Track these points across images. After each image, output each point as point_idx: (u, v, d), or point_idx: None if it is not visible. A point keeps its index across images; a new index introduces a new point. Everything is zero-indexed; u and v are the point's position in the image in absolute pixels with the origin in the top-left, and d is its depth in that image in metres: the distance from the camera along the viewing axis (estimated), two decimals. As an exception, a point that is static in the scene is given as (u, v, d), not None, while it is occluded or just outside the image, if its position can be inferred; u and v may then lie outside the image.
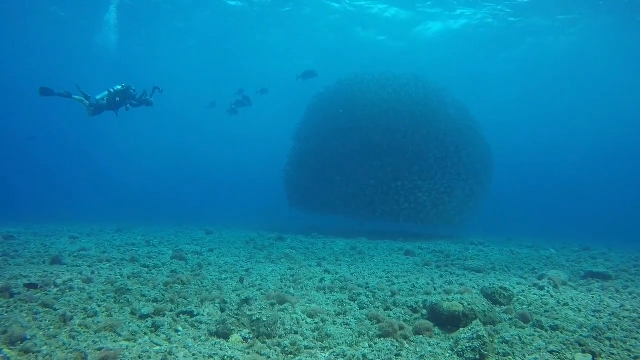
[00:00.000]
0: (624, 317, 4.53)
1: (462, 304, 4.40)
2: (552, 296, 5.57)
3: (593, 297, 5.66)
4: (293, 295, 5.32)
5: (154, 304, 4.61)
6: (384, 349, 3.56)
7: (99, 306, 4.37)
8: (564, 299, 5.37)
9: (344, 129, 14.59)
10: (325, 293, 5.59)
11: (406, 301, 4.99)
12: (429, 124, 13.87)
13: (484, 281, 6.53)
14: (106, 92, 9.28)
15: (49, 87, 8.70)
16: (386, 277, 6.73)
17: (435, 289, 5.90)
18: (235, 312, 4.10)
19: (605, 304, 5.29)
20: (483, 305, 4.39)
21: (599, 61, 27.55)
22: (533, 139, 43.25)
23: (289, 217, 20.03)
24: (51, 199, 29.20)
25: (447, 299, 4.48)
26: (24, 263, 6.77)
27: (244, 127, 42.25)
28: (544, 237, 16.28)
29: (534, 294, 5.65)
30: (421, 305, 4.83)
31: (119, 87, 9.41)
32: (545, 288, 6.00)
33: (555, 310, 4.78)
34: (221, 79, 34.07)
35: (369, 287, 5.85)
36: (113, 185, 37.03)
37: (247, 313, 3.97)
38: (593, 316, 4.61)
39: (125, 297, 4.70)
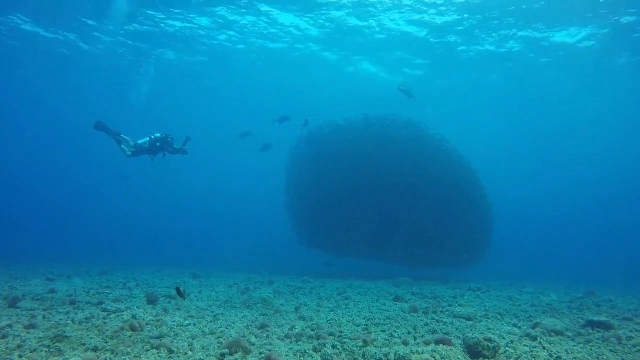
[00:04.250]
0: (622, 374, 3.93)
1: (434, 357, 3.86)
2: (544, 348, 4.96)
3: (591, 349, 5.04)
4: (253, 345, 4.79)
5: (88, 353, 4.11)
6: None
7: (20, 357, 3.89)
8: (557, 352, 4.76)
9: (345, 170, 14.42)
10: (290, 342, 5.05)
11: (375, 353, 4.43)
12: (427, 166, 13.77)
13: (471, 330, 5.92)
14: (147, 138, 9.64)
15: (103, 122, 9.08)
16: (364, 324, 6.15)
17: (415, 339, 5.32)
18: (171, 364, 3.60)
19: (605, 357, 4.68)
20: (458, 358, 3.85)
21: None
22: (544, 185, 42.82)
23: (289, 256, 19.46)
24: (51, 238, 28.83)
25: (418, 351, 3.96)
26: (-24, 307, 6.32)
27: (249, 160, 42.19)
28: (550, 282, 15.41)
29: (524, 346, 5.04)
30: (392, 358, 4.27)
31: (159, 134, 9.74)
32: (538, 338, 5.38)
33: (545, 365, 4.19)
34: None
35: (341, 336, 5.29)
36: (117, 225, 36.59)
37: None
38: (587, 373, 4.02)
39: (57, 346, 4.21)
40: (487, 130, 34.26)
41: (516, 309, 8.12)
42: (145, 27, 21.50)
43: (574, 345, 5.18)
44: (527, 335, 5.55)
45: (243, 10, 19.81)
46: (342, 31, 21.38)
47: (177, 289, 5.72)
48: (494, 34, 20.65)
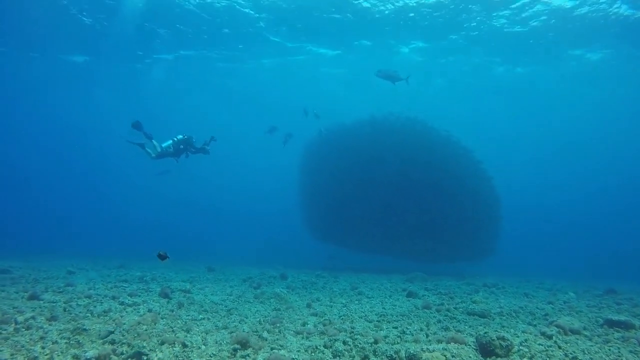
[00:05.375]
0: (640, 376, 3.84)
1: (445, 356, 3.84)
2: (559, 347, 4.87)
3: (610, 350, 4.92)
4: (265, 340, 4.85)
5: (106, 346, 4.23)
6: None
7: (44, 348, 4.03)
8: (574, 352, 4.67)
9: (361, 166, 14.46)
10: (302, 338, 5.09)
11: (386, 350, 4.43)
12: (441, 162, 13.76)
13: (485, 327, 5.86)
14: (171, 141, 9.92)
15: (141, 123, 9.43)
16: (377, 320, 6.16)
17: (427, 336, 5.29)
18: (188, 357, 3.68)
19: (624, 359, 4.58)
20: (470, 357, 3.82)
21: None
22: (564, 176, 41.85)
23: (304, 250, 19.61)
24: (69, 232, 29.64)
25: (429, 349, 3.94)
26: (2, 299, 6.56)
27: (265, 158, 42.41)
28: (569, 278, 15.12)
29: (538, 344, 4.96)
30: (402, 356, 4.26)
31: (181, 136, 10.00)
32: (554, 337, 5.29)
33: (559, 366, 4.13)
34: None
35: (353, 332, 5.31)
36: (135, 219, 37.28)
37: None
38: (604, 374, 3.94)
39: (77, 339, 4.34)
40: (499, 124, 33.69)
41: (532, 306, 7.99)
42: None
43: (591, 345, 5.07)
44: (543, 334, 5.46)
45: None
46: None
47: (159, 254, 5.81)
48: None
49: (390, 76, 12.78)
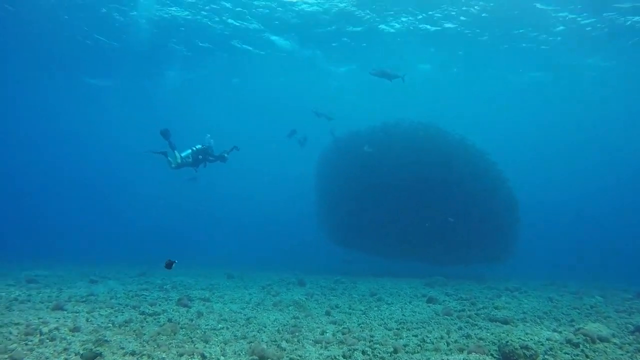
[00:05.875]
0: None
1: (466, 367, 3.75)
2: (587, 357, 4.71)
3: (640, 358, 4.73)
4: (284, 350, 4.84)
5: (127, 357, 4.30)
6: None
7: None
8: (602, 361, 4.51)
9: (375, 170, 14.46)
10: (321, 347, 5.06)
11: (406, 360, 4.37)
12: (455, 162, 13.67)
13: (508, 335, 5.70)
14: (189, 151, 10.04)
15: (169, 131, 9.55)
16: (396, 328, 6.08)
17: (447, 345, 5.19)
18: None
19: (655, 368, 4.39)
20: (492, 368, 3.73)
21: None
22: (587, 175, 40.68)
23: (322, 255, 19.61)
24: (93, 239, 30.34)
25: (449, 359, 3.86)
26: (28, 309, 6.74)
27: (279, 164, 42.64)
28: (597, 281, 14.62)
29: (565, 354, 4.81)
30: (423, 366, 4.19)
31: (199, 146, 10.14)
32: (580, 346, 5.11)
33: (587, 376, 3.98)
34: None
35: (372, 341, 5.26)
36: (155, 226, 37.96)
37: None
38: (635, 385, 3.78)
39: (98, 350, 4.42)
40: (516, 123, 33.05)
41: (557, 311, 7.75)
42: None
43: (621, 355, 4.88)
44: (569, 341, 5.29)
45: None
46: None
47: (166, 263, 5.89)
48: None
49: (386, 74, 12.72)
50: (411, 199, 13.93)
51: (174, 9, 18.00)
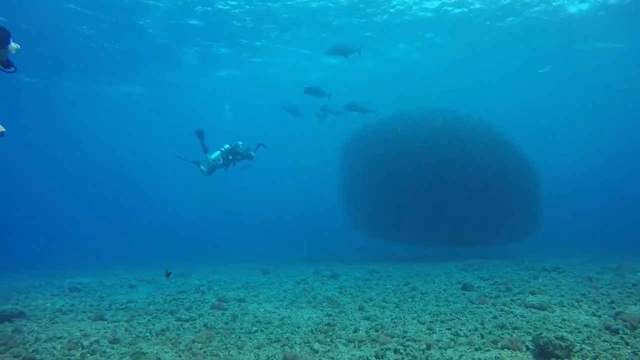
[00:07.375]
0: None
1: (498, 365, 3.77)
2: (627, 344, 4.60)
3: (686, 342, 4.58)
4: (316, 352, 5.00)
5: (170, 369, 4.58)
6: None
7: (112, 375, 4.43)
8: (643, 348, 4.40)
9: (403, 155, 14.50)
10: (353, 347, 5.18)
11: (438, 359, 4.42)
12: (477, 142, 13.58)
13: (544, 323, 5.64)
14: (219, 152, 10.29)
15: (203, 132, 9.95)
16: (430, 321, 6.12)
17: (482, 337, 5.20)
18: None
19: (702, 353, 4.24)
20: (525, 365, 3.73)
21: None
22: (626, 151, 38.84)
23: (354, 245, 19.83)
24: (131, 242, 31.75)
25: (480, 358, 3.89)
26: (70, 320, 7.19)
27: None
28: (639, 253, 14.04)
29: (603, 341, 4.72)
30: (455, 364, 4.24)
31: (228, 146, 10.35)
32: (620, 332, 4.99)
33: (627, 367, 3.91)
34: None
35: (405, 338, 5.34)
36: (191, 226, 39.19)
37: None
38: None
39: (140, 363, 4.73)
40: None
41: (596, 292, 7.55)
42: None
43: (663, 339, 4.74)
44: (607, 327, 5.17)
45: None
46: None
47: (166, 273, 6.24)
48: None
49: (341, 50, 12.64)
50: (440, 183, 13.92)
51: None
